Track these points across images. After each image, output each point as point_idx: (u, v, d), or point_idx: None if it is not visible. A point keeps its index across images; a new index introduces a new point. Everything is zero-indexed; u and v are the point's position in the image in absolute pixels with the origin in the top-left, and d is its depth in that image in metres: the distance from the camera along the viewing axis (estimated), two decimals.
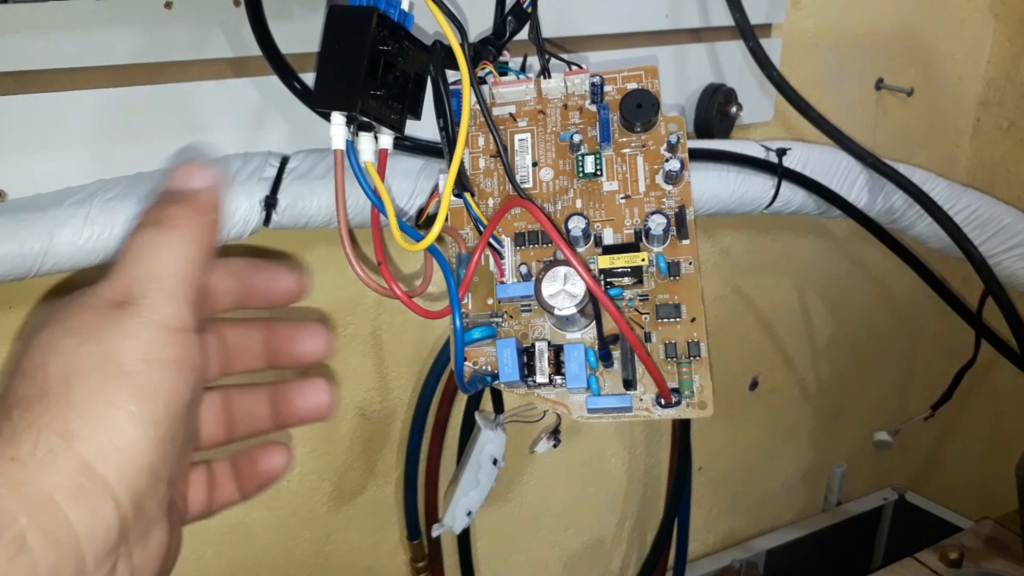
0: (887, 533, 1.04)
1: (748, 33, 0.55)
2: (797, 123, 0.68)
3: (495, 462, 0.55)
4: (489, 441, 0.54)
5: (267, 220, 0.45)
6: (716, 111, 0.62)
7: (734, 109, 0.63)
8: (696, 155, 0.58)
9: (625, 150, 0.39)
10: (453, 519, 0.55)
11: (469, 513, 0.55)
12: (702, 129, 0.63)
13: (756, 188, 0.60)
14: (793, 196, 0.62)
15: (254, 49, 0.42)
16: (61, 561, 0.21)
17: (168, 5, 0.42)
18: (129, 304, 0.24)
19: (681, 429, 0.74)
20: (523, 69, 0.41)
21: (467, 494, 0.54)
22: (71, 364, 0.23)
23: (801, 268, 0.85)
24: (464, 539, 0.70)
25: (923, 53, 0.82)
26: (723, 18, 0.59)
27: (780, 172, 0.60)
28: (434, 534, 0.56)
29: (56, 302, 0.26)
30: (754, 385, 0.88)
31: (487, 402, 0.63)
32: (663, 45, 0.61)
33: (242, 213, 0.44)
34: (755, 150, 0.60)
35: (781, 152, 0.60)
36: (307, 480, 0.62)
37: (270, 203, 0.45)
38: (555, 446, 0.62)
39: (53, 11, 0.39)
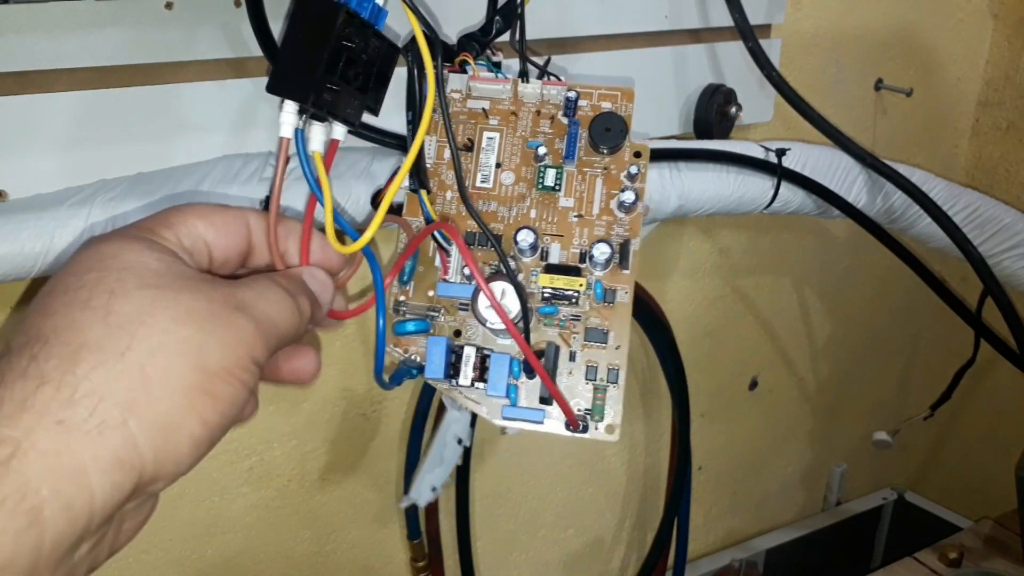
0: (886, 533, 1.04)
1: (747, 33, 0.55)
2: (797, 123, 0.68)
3: (459, 441, 0.57)
4: (455, 421, 0.56)
5: None
6: (716, 111, 0.62)
7: (733, 109, 0.63)
8: (696, 155, 0.58)
9: (587, 169, 0.39)
10: (419, 493, 0.57)
11: (434, 488, 0.57)
12: (702, 129, 0.63)
13: (755, 188, 0.60)
14: (792, 196, 0.62)
15: (255, 50, 0.41)
16: (69, 530, 0.22)
17: (169, 6, 0.42)
18: (239, 313, 0.26)
19: (681, 429, 0.74)
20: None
21: (432, 471, 0.57)
22: (164, 340, 0.24)
23: (801, 268, 0.85)
24: (464, 539, 0.70)
25: (922, 53, 0.82)
26: (723, 19, 0.59)
27: (779, 172, 0.60)
28: (401, 506, 0.58)
29: (177, 267, 0.27)
30: (753, 385, 0.88)
31: None
32: (662, 46, 0.61)
33: None
34: (754, 150, 0.60)
35: (780, 152, 0.60)
36: (307, 479, 0.62)
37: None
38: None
39: (53, 11, 0.39)
